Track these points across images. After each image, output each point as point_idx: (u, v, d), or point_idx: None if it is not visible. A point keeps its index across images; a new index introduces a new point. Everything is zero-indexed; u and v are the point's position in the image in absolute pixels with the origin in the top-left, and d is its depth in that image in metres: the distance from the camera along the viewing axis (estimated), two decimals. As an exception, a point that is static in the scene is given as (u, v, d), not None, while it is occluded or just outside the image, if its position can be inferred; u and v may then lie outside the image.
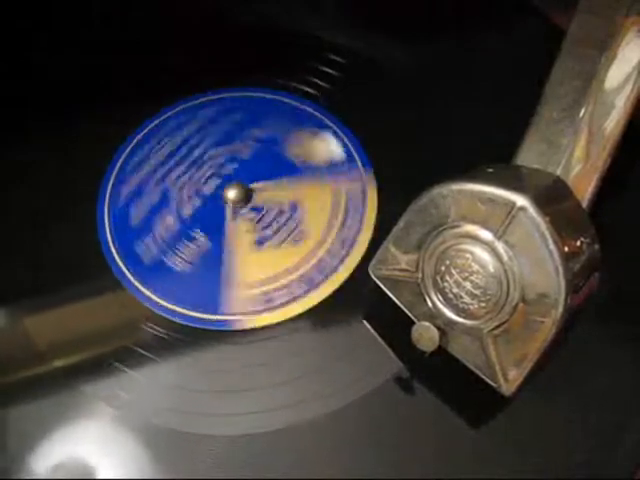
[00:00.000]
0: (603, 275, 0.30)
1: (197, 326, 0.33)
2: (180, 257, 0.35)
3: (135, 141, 0.39)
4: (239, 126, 0.39)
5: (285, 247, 0.35)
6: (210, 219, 0.36)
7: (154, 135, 0.39)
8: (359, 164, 0.38)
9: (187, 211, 0.36)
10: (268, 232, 0.36)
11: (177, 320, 0.33)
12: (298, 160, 0.38)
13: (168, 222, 0.36)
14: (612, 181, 0.32)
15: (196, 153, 0.38)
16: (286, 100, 0.40)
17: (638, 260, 0.34)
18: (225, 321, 0.33)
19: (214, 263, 0.35)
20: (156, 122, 0.39)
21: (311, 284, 0.34)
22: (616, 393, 0.32)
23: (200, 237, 0.36)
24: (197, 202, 0.37)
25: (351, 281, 0.34)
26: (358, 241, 0.35)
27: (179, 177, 0.37)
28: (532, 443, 0.30)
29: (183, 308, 0.34)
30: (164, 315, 0.33)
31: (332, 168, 0.38)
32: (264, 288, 0.34)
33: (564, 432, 0.31)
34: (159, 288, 0.34)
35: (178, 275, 0.35)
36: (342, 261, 0.35)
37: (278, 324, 0.33)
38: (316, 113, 0.40)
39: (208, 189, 0.37)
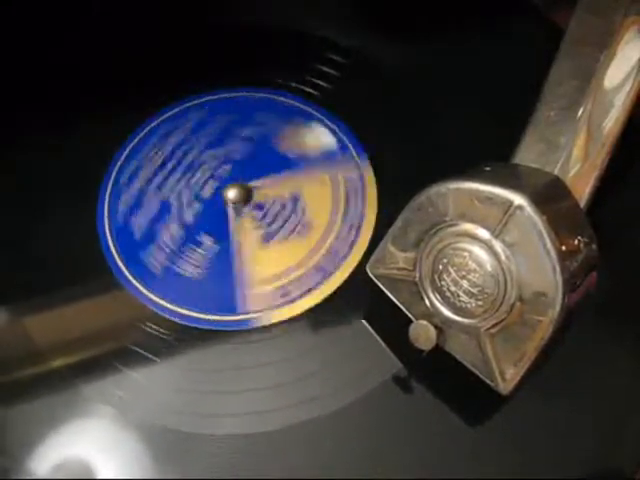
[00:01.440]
0: (602, 274, 0.30)
1: (203, 327, 0.33)
2: (189, 262, 0.35)
3: (136, 140, 0.39)
4: (234, 126, 0.39)
5: (292, 240, 0.36)
6: (213, 222, 0.36)
7: (153, 136, 0.39)
8: (353, 153, 0.38)
9: (189, 217, 0.36)
10: (273, 227, 0.36)
11: (179, 321, 0.33)
12: (292, 154, 0.38)
13: (172, 230, 0.36)
14: (611, 180, 0.32)
15: (191, 156, 0.38)
16: (286, 100, 0.40)
17: (636, 259, 0.34)
18: (244, 320, 0.33)
19: (224, 265, 0.35)
20: (156, 122, 0.39)
21: (325, 273, 0.35)
22: (615, 392, 0.32)
23: (207, 241, 0.36)
24: (197, 206, 0.37)
25: (348, 280, 0.34)
26: (359, 240, 0.36)
27: (178, 181, 0.38)
28: (531, 443, 0.30)
29: (190, 310, 0.34)
30: (166, 316, 0.33)
31: (327, 157, 0.38)
32: (279, 283, 0.34)
33: (563, 432, 0.31)
34: (166, 291, 0.34)
35: (188, 280, 0.35)
36: (350, 250, 0.35)
37: (294, 318, 0.33)
38: (316, 113, 0.40)
39: (207, 192, 0.37)
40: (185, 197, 0.37)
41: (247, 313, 0.34)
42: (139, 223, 0.36)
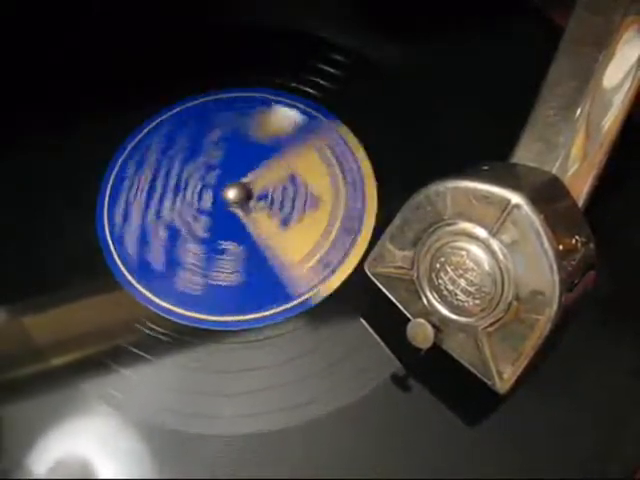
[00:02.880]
0: (601, 273, 0.30)
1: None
2: (223, 272, 0.35)
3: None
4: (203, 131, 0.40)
5: (309, 215, 0.36)
6: (227, 227, 0.36)
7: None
8: (323, 119, 0.39)
9: (201, 232, 0.36)
10: (286, 211, 0.37)
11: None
12: (269, 140, 0.39)
13: (192, 250, 0.36)
14: (609, 179, 0.32)
15: (174, 173, 0.38)
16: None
17: (635, 258, 0.34)
18: (304, 302, 0.34)
19: (258, 261, 0.35)
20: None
21: (353, 232, 0.36)
22: (615, 392, 0.31)
23: (229, 247, 0.36)
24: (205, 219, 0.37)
25: (347, 279, 0.34)
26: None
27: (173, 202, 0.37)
28: (531, 442, 0.30)
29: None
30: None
31: (303, 131, 0.39)
32: (317, 256, 0.35)
33: (562, 431, 0.31)
34: (211, 307, 0.34)
35: (230, 288, 0.35)
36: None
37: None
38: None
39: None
40: (189, 215, 0.37)
41: (301, 295, 0.34)
42: (155, 258, 0.36)
